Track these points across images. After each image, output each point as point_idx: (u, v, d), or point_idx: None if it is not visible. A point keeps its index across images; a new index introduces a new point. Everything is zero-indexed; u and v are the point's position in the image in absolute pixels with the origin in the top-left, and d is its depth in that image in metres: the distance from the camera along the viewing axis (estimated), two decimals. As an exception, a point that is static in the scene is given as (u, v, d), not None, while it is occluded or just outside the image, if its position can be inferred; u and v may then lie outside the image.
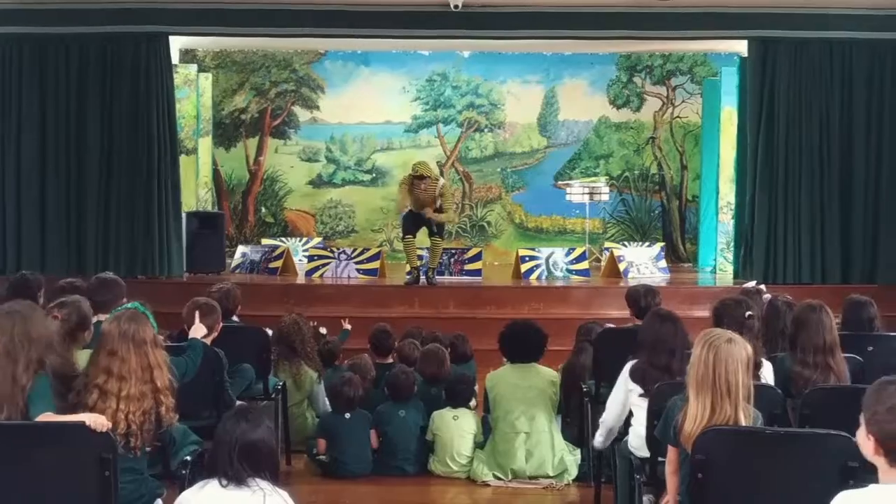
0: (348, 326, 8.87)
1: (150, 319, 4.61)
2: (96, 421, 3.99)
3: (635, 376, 5.23)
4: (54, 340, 4.44)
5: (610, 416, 5.61)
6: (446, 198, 11.08)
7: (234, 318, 7.16)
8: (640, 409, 5.10)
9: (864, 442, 3.02)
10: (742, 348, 4.00)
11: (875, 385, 3.07)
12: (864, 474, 3.33)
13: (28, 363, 4.15)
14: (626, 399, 5.42)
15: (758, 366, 5.25)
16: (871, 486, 3.02)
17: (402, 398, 7.01)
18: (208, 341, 5.89)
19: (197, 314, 5.76)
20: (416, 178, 10.83)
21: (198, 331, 5.67)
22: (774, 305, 6.25)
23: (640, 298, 6.97)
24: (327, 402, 7.44)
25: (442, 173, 11.10)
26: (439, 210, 11.02)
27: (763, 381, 5.18)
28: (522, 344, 6.94)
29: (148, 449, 4.42)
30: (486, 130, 15.48)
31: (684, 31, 12.00)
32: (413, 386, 7.09)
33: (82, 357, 4.72)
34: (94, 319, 5.25)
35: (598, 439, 5.79)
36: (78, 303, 5.14)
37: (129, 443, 4.24)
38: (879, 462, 3.00)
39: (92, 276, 6.75)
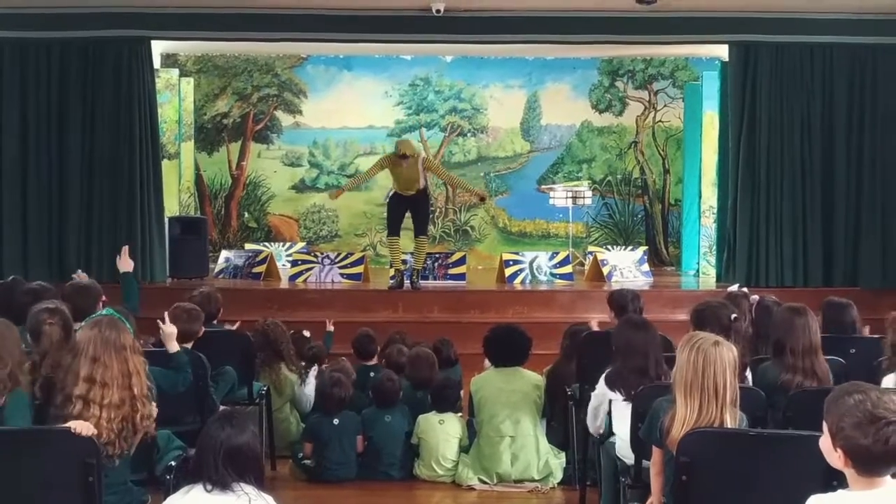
0: (331, 328, 8.85)
1: (128, 325, 4.59)
2: (82, 426, 3.97)
3: (612, 383, 5.28)
4: (26, 359, 4.40)
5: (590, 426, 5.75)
6: (435, 170, 11.15)
7: (215, 322, 7.16)
8: (625, 415, 5.11)
9: (831, 453, 2.99)
10: (729, 351, 4.02)
11: (834, 394, 3.01)
12: (844, 476, 3.33)
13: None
14: (601, 404, 5.53)
15: (744, 367, 5.29)
16: (841, 492, 3.01)
17: (388, 404, 7.01)
18: (189, 345, 5.87)
19: (166, 316, 5.67)
20: (400, 157, 10.85)
21: (169, 330, 5.54)
22: (765, 305, 6.28)
23: (628, 304, 7.01)
24: (311, 401, 7.43)
25: (426, 178, 11.13)
26: (424, 190, 11.12)
27: (748, 382, 5.22)
28: (507, 348, 6.95)
29: (123, 454, 4.35)
30: (468, 135, 15.49)
31: (665, 35, 12.03)
32: (399, 392, 7.09)
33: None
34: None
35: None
36: (63, 310, 5.11)
37: (107, 451, 4.20)
38: (848, 472, 2.99)
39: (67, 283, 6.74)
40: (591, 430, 5.73)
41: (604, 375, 5.41)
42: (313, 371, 7.53)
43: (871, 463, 2.91)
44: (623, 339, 5.36)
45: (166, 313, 5.71)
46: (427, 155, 15.10)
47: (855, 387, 3.01)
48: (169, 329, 5.54)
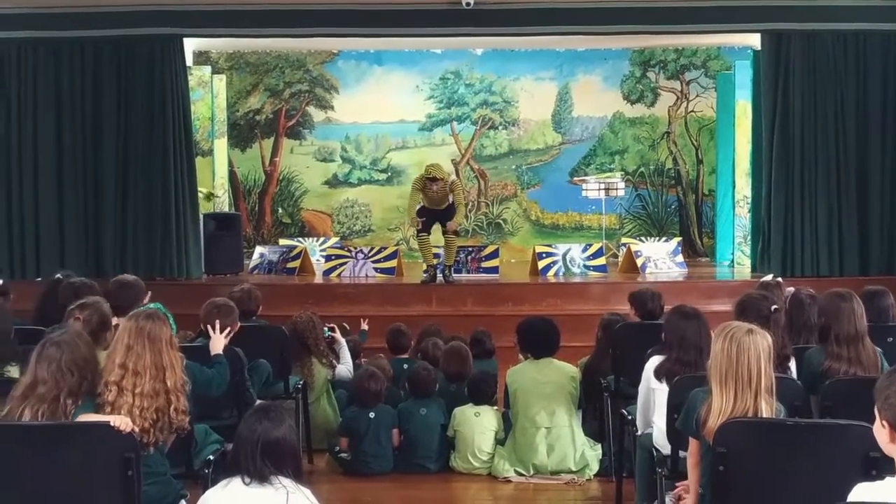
0: (366, 327, 8.88)
1: (170, 321, 4.63)
2: (121, 421, 4.01)
3: (660, 374, 5.19)
4: (98, 365, 4.45)
5: (640, 419, 5.61)
6: (456, 195, 11.07)
7: (254, 318, 7.20)
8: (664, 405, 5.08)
9: (879, 430, 3.01)
10: (763, 339, 4.00)
11: (887, 373, 3.07)
12: (885, 464, 3.32)
13: (72, 391, 4.16)
14: (649, 398, 5.44)
15: (787, 358, 5.24)
16: (889, 479, 3.00)
17: (424, 395, 7.03)
18: (227, 341, 5.90)
19: (217, 324, 5.70)
20: (429, 181, 10.85)
21: (217, 344, 5.62)
22: (798, 298, 6.23)
23: (648, 301, 7.01)
24: (350, 368, 7.52)
25: (457, 171, 11.12)
26: (450, 208, 11.05)
27: (790, 374, 5.17)
28: (540, 338, 6.95)
29: (158, 444, 4.40)
30: (500, 128, 15.48)
31: (697, 25, 11.99)
32: (434, 383, 7.11)
33: (104, 358, 4.73)
34: (115, 322, 5.26)
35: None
36: (98, 304, 5.17)
37: (142, 439, 4.22)
38: (895, 451, 2.99)
39: (110, 279, 6.78)
40: (642, 427, 5.58)
41: (652, 368, 5.33)
42: (344, 347, 7.59)
43: None
44: (674, 330, 5.22)
45: (216, 317, 5.72)
46: (459, 149, 15.14)
47: None
48: (217, 340, 5.60)
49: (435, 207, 11.07)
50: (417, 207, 11.11)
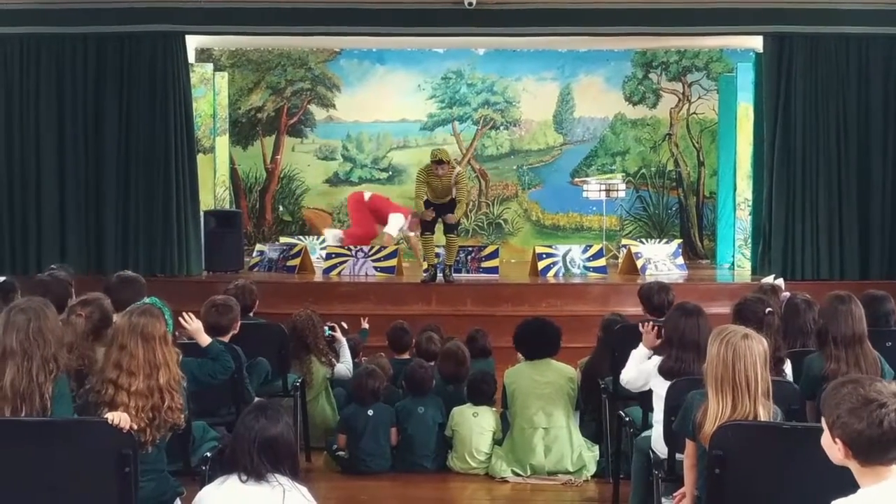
0: (366, 325, 8.87)
1: (166, 316, 4.61)
2: (120, 418, 4.01)
3: (664, 372, 5.17)
4: (65, 338, 4.44)
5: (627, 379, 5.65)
6: (460, 188, 11.02)
7: (251, 314, 7.20)
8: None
9: (831, 446, 2.99)
10: (759, 343, 4.00)
11: (829, 388, 3.03)
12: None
13: (44, 360, 4.15)
14: (637, 374, 5.49)
15: (781, 361, 5.24)
16: (861, 492, 3.00)
17: (421, 392, 7.03)
18: (226, 338, 5.89)
19: (188, 315, 5.59)
20: (436, 164, 10.77)
21: (193, 326, 5.53)
22: (793, 303, 6.23)
23: (654, 295, 6.99)
24: (350, 368, 7.51)
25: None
26: (453, 202, 11.01)
27: (786, 376, 5.17)
28: (539, 340, 6.95)
29: (155, 442, 4.38)
30: (501, 128, 15.48)
31: (699, 27, 12.00)
32: (431, 380, 7.10)
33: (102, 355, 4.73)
34: (115, 318, 5.25)
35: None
36: (100, 300, 5.16)
37: (139, 438, 4.20)
38: (852, 465, 2.98)
39: (112, 275, 6.78)
40: (624, 379, 5.63)
41: (654, 365, 5.32)
42: (344, 346, 7.59)
43: (869, 449, 2.90)
44: (674, 327, 5.19)
45: (184, 313, 5.60)
46: (460, 149, 15.15)
47: (848, 378, 3.04)
48: (193, 325, 5.55)
49: (439, 201, 11.01)
50: (424, 199, 11.06)
